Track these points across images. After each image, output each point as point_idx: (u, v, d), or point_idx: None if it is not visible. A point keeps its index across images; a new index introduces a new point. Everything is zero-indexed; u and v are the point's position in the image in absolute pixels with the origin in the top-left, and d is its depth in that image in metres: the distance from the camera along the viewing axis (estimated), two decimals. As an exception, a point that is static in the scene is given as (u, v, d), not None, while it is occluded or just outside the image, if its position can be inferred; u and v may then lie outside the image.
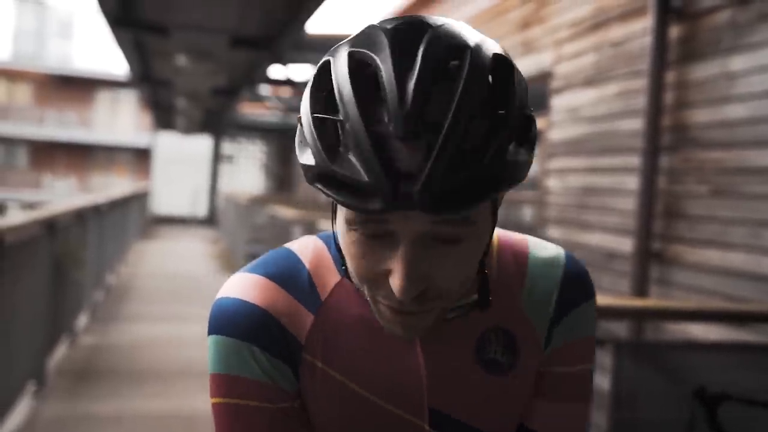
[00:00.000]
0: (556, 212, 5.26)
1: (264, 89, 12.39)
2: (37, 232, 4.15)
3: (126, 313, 6.73)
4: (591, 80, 5.01)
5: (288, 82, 9.61)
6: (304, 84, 9.41)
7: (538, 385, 0.80)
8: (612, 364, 2.73)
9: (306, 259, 0.77)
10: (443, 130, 0.57)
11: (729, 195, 3.70)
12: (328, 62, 0.64)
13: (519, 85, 0.63)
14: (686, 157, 4.04)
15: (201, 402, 4.22)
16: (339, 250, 0.74)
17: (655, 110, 4.14)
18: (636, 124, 4.39)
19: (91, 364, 4.90)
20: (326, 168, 0.60)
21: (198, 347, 5.56)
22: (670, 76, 4.18)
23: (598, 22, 5.01)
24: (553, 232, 5.29)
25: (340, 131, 0.61)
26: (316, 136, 0.62)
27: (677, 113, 4.13)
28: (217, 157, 20.96)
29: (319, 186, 0.62)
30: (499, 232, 0.81)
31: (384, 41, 0.61)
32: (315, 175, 0.62)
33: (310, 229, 5.28)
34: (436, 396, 0.75)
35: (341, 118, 0.60)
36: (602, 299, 3.93)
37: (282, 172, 20.78)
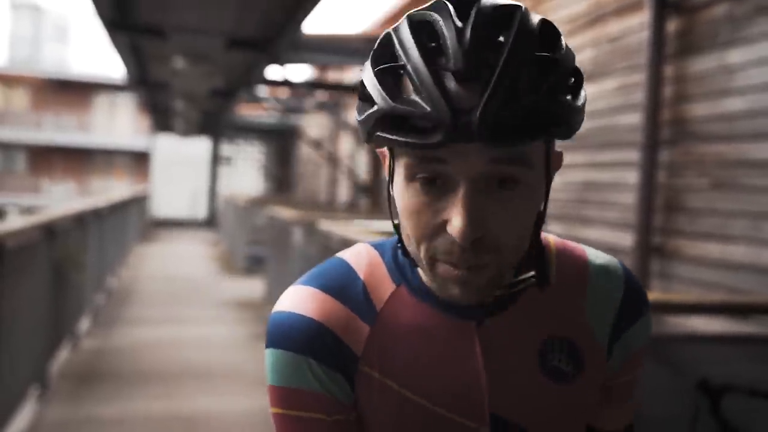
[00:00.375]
0: (557, 208, 5.26)
1: (261, 90, 12.40)
2: (37, 236, 4.15)
3: (127, 316, 6.73)
4: (589, 75, 5.01)
5: (285, 83, 9.60)
6: (302, 84, 9.43)
7: (607, 393, 0.82)
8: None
9: (360, 270, 0.77)
10: (498, 67, 0.61)
11: (729, 188, 3.70)
12: (388, 32, 0.68)
13: (566, 43, 0.67)
14: (686, 151, 4.04)
15: (201, 403, 4.22)
16: (394, 258, 0.77)
17: (653, 104, 4.15)
18: (635, 119, 4.39)
19: (94, 367, 4.90)
20: (388, 108, 0.64)
21: (198, 349, 5.56)
22: (669, 70, 4.18)
23: (595, 18, 5.01)
24: (554, 227, 5.29)
25: (401, 78, 0.66)
26: (377, 82, 0.65)
27: (676, 107, 4.13)
28: (216, 159, 20.96)
29: (381, 133, 0.65)
30: (554, 239, 0.82)
31: (442, 4, 0.66)
32: (376, 120, 0.65)
33: (310, 229, 5.27)
34: (498, 401, 0.74)
35: (403, 62, 0.64)
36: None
37: (281, 173, 20.77)
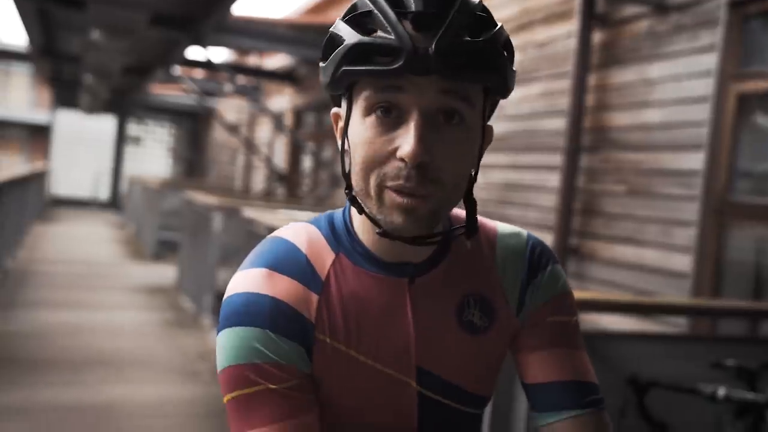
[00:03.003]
0: (479, 207, 5.39)
1: (176, 70, 11.97)
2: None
3: (27, 299, 6.35)
4: (516, 79, 5.16)
5: (206, 64, 9.32)
6: (223, 67, 9.17)
7: (532, 340, 0.87)
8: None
9: (301, 244, 0.82)
10: (449, 16, 0.71)
11: (643, 195, 3.92)
12: None
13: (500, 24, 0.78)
14: (605, 158, 4.24)
15: (110, 391, 4.05)
16: (331, 229, 0.84)
17: (577, 111, 4.32)
18: (558, 124, 4.56)
19: (-8, 353, 4.60)
20: (356, 40, 0.72)
21: (106, 335, 5.32)
22: (592, 79, 4.37)
23: (524, 23, 5.16)
24: (475, 225, 5.42)
25: (367, 26, 0.73)
26: (347, 23, 0.74)
27: (598, 115, 4.33)
28: (122, 139, 20.05)
29: (347, 67, 0.72)
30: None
31: None
32: (344, 55, 0.72)
33: (232, 216, 5.16)
34: (423, 356, 0.82)
35: (370, 8, 0.73)
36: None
37: (192, 157, 20.15)
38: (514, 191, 5.06)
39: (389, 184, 0.73)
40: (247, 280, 0.78)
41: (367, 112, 0.74)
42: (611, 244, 4.10)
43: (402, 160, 0.71)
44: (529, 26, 5.08)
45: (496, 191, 5.22)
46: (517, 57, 5.16)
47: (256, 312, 0.76)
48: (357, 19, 0.74)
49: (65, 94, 15.48)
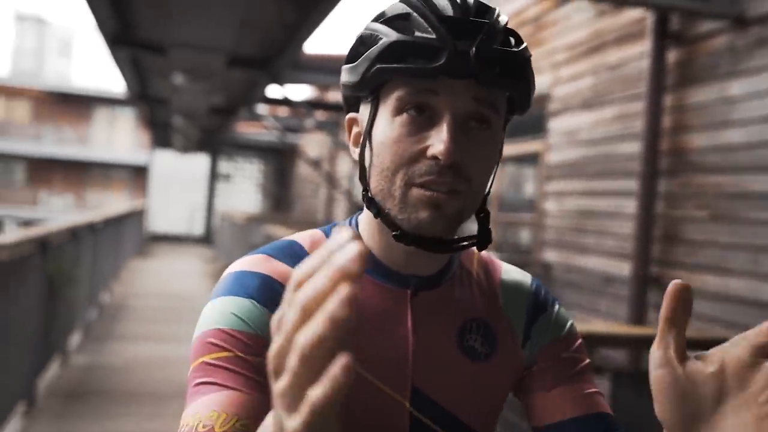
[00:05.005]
0: (554, 235, 5.23)
1: (261, 108, 12.41)
2: (30, 250, 4.11)
3: (120, 333, 6.66)
4: (589, 103, 5.01)
5: (285, 102, 9.62)
6: (302, 104, 9.45)
7: (546, 379, 0.84)
8: (610, 392, 2.69)
9: (304, 243, 0.81)
10: (487, 22, 0.72)
11: (728, 220, 3.68)
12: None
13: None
14: (685, 181, 4.02)
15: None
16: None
17: (653, 134, 4.14)
18: (634, 148, 4.38)
19: (83, 384, 4.83)
20: (395, 38, 0.71)
21: (191, 368, 5.48)
22: (668, 100, 4.17)
23: (596, 46, 5.02)
24: (551, 254, 5.25)
25: (403, 27, 0.73)
26: (384, 23, 0.73)
27: (675, 137, 4.12)
28: (214, 176, 20.94)
29: (383, 65, 0.71)
30: (479, 251, 0.89)
31: None
32: (380, 52, 0.71)
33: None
34: (419, 374, 0.78)
35: (408, 11, 0.73)
36: (601, 327, 3.86)
37: (279, 192, 20.76)
38: (590, 218, 4.87)
39: (417, 181, 0.72)
40: (243, 261, 0.78)
41: (398, 111, 0.73)
42: (694, 273, 3.86)
43: (433, 158, 0.71)
44: (601, 48, 4.94)
45: (571, 219, 5.05)
46: (590, 80, 5.02)
47: (245, 284, 0.74)
48: (392, 21, 0.74)
49: (161, 136, 16.36)
